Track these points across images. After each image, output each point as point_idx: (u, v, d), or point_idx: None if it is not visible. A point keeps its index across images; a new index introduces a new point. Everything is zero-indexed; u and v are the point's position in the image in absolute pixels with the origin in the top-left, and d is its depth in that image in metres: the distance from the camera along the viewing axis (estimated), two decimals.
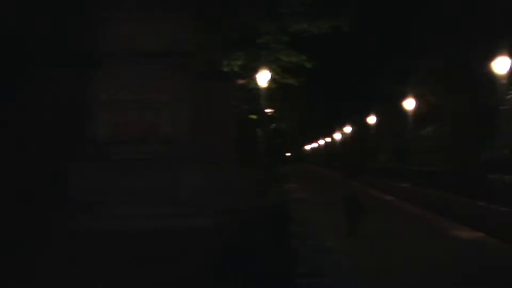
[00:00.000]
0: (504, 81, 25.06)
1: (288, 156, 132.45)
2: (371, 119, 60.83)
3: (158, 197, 13.66)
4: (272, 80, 29.15)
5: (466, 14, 32.68)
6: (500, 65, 25.23)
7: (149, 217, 13.15)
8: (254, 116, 32.01)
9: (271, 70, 28.01)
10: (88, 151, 14.24)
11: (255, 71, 28.61)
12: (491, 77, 27.09)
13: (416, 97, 42.55)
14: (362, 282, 15.34)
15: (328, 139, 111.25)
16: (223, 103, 16.33)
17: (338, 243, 21.36)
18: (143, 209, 13.38)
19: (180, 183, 13.98)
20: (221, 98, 16.47)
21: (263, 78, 29.02)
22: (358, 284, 15.06)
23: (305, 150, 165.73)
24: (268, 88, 30.73)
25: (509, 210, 22.63)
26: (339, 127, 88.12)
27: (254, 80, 29.39)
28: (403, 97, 43.83)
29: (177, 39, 14.60)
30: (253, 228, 12.84)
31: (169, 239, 12.19)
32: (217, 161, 14.61)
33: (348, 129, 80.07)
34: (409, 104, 42.94)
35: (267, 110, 38.71)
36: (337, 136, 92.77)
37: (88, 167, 13.98)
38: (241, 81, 29.78)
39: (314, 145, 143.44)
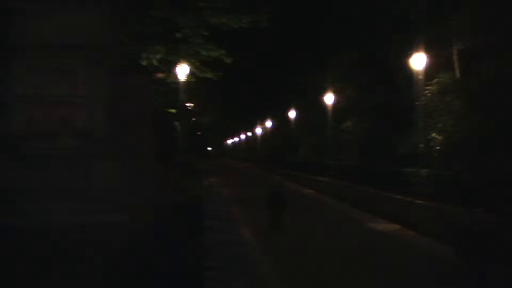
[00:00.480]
0: (421, 77, 25.56)
1: (209, 150, 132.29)
2: (292, 114, 61.25)
3: (73, 192, 13.39)
4: (192, 74, 28.97)
5: (384, 10, 33.18)
6: (416, 61, 25.70)
7: (63, 213, 12.87)
8: (173, 110, 31.71)
9: (190, 64, 27.84)
10: (1, 145, 13.86)
11: (175, 65, 28.38)
12: (409, 73, 27.63)
13: (336, 92, 43.07)
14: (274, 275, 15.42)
15: (250, 134, 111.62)
16: (140, 97, 16.09)
17: (253, 238, 21.42)
18: (57, 205, 13.08)
19: (95, 178, 13.75)
20: (138, 92, 16.22)
21: (182, 72, 28.83)
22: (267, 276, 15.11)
23: (227, 145, 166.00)
24: (187, 82, 30.55)
25: (424, 203, 23.17)
26: (261, 122, 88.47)
27: (173, 74, 29.15)
28: (323, 91, 44.31)
29: (93, 33, 14.32)
30: (167, 224, 12.72)
31: (82, 235, 11.99)
32: (133, 156, 14.43)
33: (269, 123, 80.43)
34: (328, 98, 43.41)
35: (187, 104, 38.46)
36: (259, 130, 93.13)
37: (1, 161, 13.62)
38: (160, 75, 29.49)
39: (236, 139, 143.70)
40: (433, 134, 26.07)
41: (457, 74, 27.05)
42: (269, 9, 25.05)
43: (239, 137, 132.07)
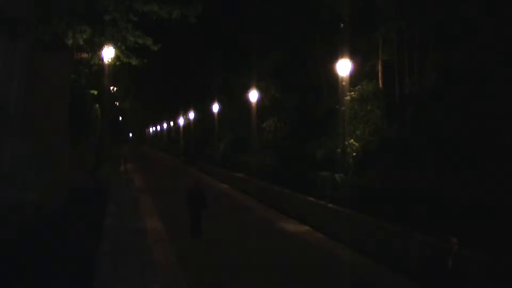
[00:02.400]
0: (344, 83, 25.80)
1: (129, 137, 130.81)
2: (215, 108, 61.06)
3: None
4: (117, 58, 28.48)
5: (311, 15, 33.56)
6: (342, 67, 25.89)
7: None
8: (94, 92, 31.11)
9: (116, 48, 27.37)
10: None
11: (100, 47, 27.84)
12: (333, 78, 27.91)
13: (260, 90, 43.16)
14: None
15: (172, 124, 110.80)
16: (59, 75, 15.68)
17: (157, 226, 21.32)
18: None
19: (5, 154, 13.33)
20: (58, 70, 15.81)
21: (107, 54, 28.31)
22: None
23: (148, 133, 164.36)
24: (112, 66, 30.06)
25: (335, 207, 23.47)
26: (184, 113, 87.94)
27: (98, 56, 28.60)
28: (248, 89, 44.34)
29: (12, 5, 13.86)
30: (71, 206, 12.45)
31: None
32: (46, 136, 14.05)
33: (191, 115, 80.00)
34: (253, 96, 43.38)
35: (110, 88, 37.86)
36: (181, 121, 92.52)
37: None
38: (84, 55, 28.90)
39: (158, 128, 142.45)
40: (351, 141, 26.40)
41: (380, 84, 27.55)
42: (199, 4, 24.88)
43: (161, 127, 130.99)
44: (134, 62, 28.57)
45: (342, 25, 30.29)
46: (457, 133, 19.80)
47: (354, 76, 27.41)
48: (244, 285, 15.07)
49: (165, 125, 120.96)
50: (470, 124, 19.42)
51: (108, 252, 12.81)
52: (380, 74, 27.65)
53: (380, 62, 27.44)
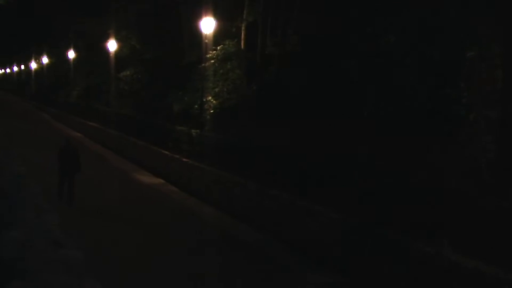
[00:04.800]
0: (207, 41, 26.05)
1: None
2: (71, 54, 59.43)
3: None
4: None
5: None
6: (206, 25, 26.01)
7: None
8: None
9: None
10: None
11: None
12: (196, 34, 28.03)
13: (120, 39, 42.45)
14: None
15: (23, 67, 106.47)
16: None
17: None
18: None
19: None
20: None
21: None
22: None
23: None
24: None
25: (190, 162, 23.94)
26: (36, 57, 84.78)
27: None
28: (107, 37, 43.41)
29: None
30: None
31: None
32: None
33: (45, 59, 77.30)
34: (111, 45, 42.56)
35: None
36: (33, 65, 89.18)
37: None
38: None
39: (7, 71, 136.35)
40: (209, 98, 26.78)
41: (242, 44, 28.05)
42: None
43: (12, 69, 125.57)
44: None
45: None
46: (305, 94, 20.85)
47: (219, 35, 27.75)
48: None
49: (15, 68, 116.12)
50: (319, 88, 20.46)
51: None
52: (243, 34, 28.11)
53: (244, 23, 27.86)
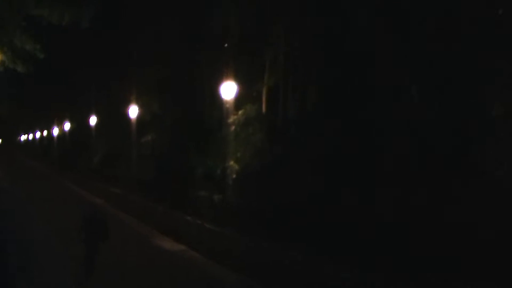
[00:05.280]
0: (228, 106, 26.09)
1: None
2: (93, 120, 59.92)
3: None
4: (0, 63, 27.01)
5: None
6: (227, 89, 26.05)
7: None
8: None
9: (1, 52, 25.85)
10: None
11: None
12: (218, 98, 28.12)
13: (141, 105, 42.68)
14: None
15: (46, 133, 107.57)
16: None
17: None
18: None
19: None
20: None
21: None
22: None
23: (20, 140, 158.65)
24: None
25: (212, 227, 23.64)
26: (59, 122, 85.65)
27: None
28: (128, 102, 43.66)
29: None
30: None
31: None
32: None
33: (68, 125, 78.06)
34: (133, 111, 42.76)
35: None
36: (56, 131, 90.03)
37: None
38: None
39: (30, 136, 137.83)
40: (231, 162, 26.68)
41: (263, 108, 28.04)
42: (92, 6, 24.33)
43: (34, 135, 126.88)
44: (20, 68, 26.83)
45: (226, 45, 30.50)
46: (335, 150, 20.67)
47: (240, 99, 27.80)
48: None
49: (38, 134, 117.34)
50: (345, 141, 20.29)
51: None
52: (264, 98, 28.13)
53: (265, 87, 27.91)
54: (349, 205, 17.45)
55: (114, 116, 52.04)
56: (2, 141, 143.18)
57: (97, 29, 34.08)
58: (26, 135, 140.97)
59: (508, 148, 14.90)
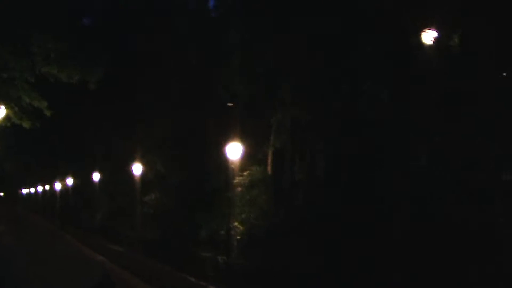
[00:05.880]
0: (233, 167, 26.14)
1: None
2: (96, 176, 59.95)
3: None
4: (7, 119, 27.23)
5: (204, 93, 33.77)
6: (232, 150, 26.05)
7: None
8: None
9: (8, 108, 26.15)
10: None
11: None
12: (222, 159, 28.16)
13: (146, 164, 42.73)
14: None
15: (48, 187, 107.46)
16: None
17: None
18: None
19: None
20: None
21: None
22: None
23: (21, 194, 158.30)
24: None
25: None
26: (62, 178, 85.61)
27: None
28: (132, 160, 43.70)
29: None
30: None
31: None
32: None
33: (70, 181, 78.04)
34: (136, 169, 42.77)
35: None
36: (58, 186, 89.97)
37: None
38: None
39: (32, 190, 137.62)
40: (236, 223, 26.63)
41: (269, 170, 28.12)
42: (100, 69, 24.66)
43: (36, 189, 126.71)
44: (26, 124, 27.17)
45: (231, 105, 30.72)
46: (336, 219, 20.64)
47: (245, 160, 27.85)
48: None
49: (40, 188, 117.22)
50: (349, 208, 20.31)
51: None
52: (269, 160, 28.24)
53: (271, 149, 28.03)
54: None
55: (118, 173, 52.06)
56: (4, 194, 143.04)
57: (103, 88, 34.37)
58: (28, 189, 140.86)
59: None
